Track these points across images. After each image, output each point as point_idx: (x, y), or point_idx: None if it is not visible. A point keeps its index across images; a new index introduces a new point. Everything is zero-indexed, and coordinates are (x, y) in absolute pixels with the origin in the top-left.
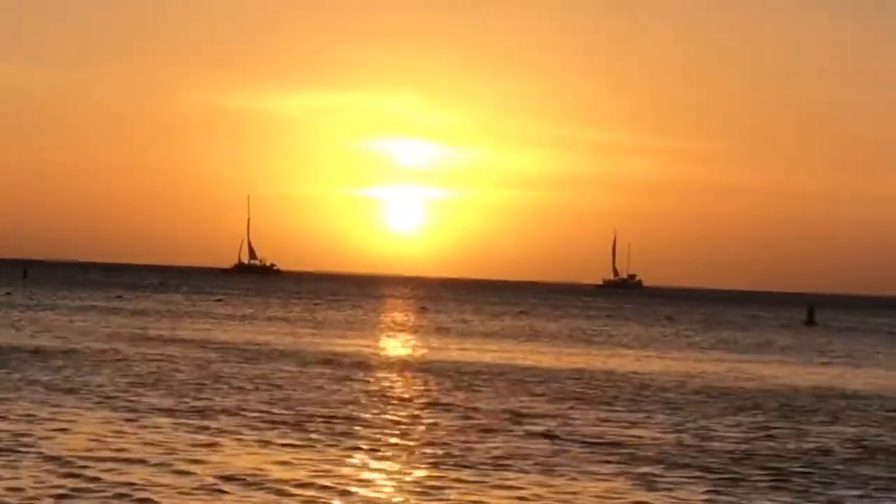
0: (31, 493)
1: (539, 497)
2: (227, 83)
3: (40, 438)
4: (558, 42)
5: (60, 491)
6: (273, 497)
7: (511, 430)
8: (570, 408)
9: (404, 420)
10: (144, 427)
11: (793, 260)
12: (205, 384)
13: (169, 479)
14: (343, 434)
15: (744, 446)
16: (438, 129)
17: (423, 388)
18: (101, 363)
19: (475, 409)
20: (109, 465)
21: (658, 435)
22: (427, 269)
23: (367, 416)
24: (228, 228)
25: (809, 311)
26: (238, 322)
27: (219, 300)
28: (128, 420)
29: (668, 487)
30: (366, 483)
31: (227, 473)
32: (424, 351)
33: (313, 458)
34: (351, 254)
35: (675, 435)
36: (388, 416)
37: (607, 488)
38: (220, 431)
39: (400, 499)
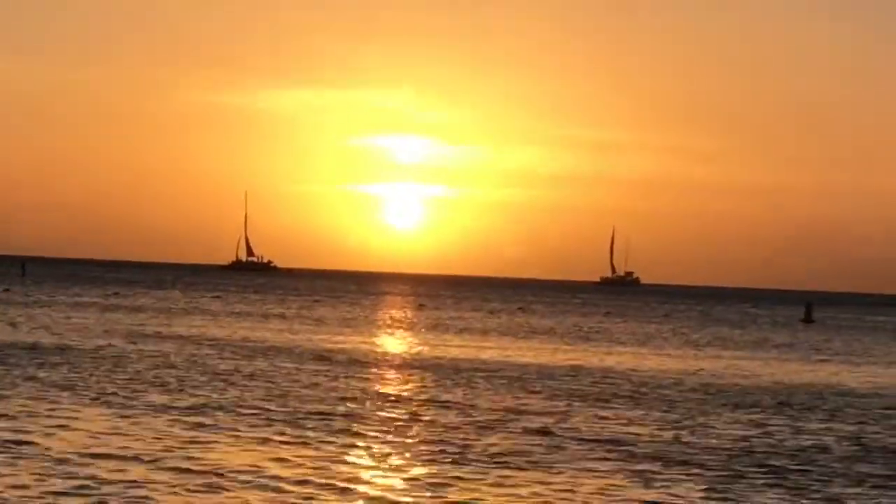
0: (28, 490)
1: (537, 494)
2: (225, 80)
3: (38, 435)
4: (557, 40)
5: (57, 488)
6: (271, 494)
7: (509, 428)
8: (568, 405)
9: (402, 417)
10: (141, 424)
11: (791, 258)
12: (202, 381)
13: (166, 476)
14: (340, 431)
15: (741, 443)
16: (437, 126)
17: (420, 385)
18: (99, 360)
19: (473, 407)
20: (106, 462)
21: (656, 432)
22: (425, 266)
23: (365, 413)
24: (226, 225)
25: (807, 309)
26: (235, 319)
27: (216, 297)
28: (125, 417)
29: (666, 484)
30: (363, 480)
31: (224, 470)
32: (422, 348)
33: (311, 455)
34: (349, 251)
35: (672, 432)
36: (385, 413)
37: (605, 485)
38: (218, 428)
39: (398, 496)
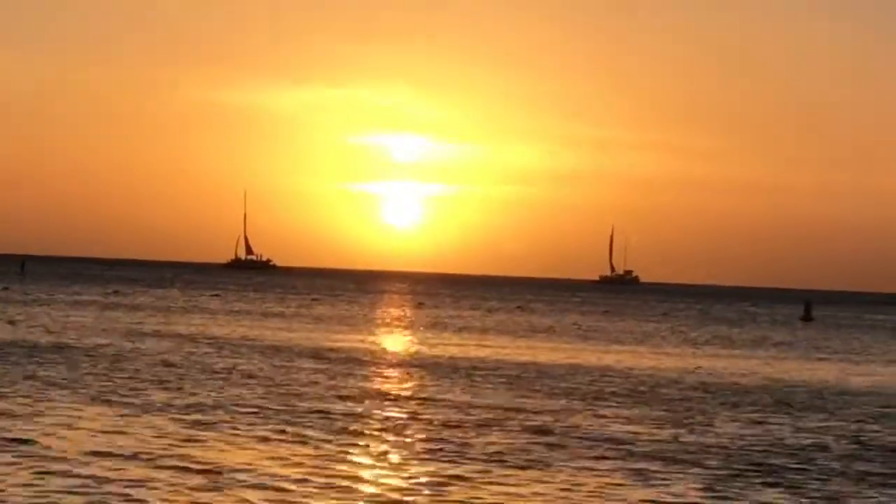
0: (27, 489)
1: (536, 493)
2: (224, 79)
3: (37, 434)
4: (556, 37)
5: (56, 487)
6: (270, 493)
7: (508, 426)
8: (567, 403)
9: (401, 415)
10: (141, 422)
11: (790, 256)
12: (201, 379)
13: (165, 474)
14: (339, 430)
15: (740, 442)
16: (436, 124)
17: (419, 383)
18: (98, 358)
19: (472, 405)
20: (106, 460)
21: (655, 431)
22: (424, 264)
23: (364, 411)
24: (225, 224)
25: (806, 308)
26: (234, 317)
27: (215, 295)
28: (124, 415)
29: (665, 483)
30: (362, 479)
31: (223, 469)
32: (421, 346)
33: (310, 454)
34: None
35: (671, 430)
36: (384, 412)
37: (604, 484)
38: (217, 426)
39: (397, 495)
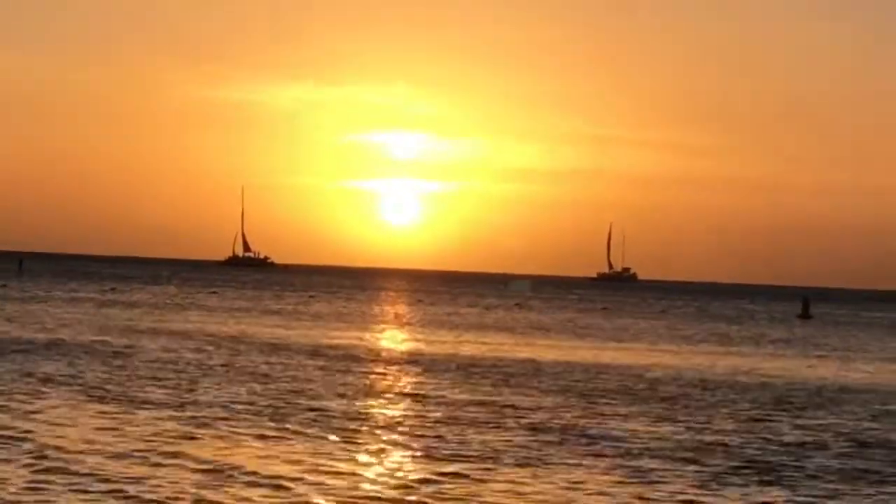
0: (23, 488)
1: (534, 490)
2: (221, 76)
3: (33, 432)
4: (555, 35)
5: (53, 485)
6: (267, 491)
7: (505, 424)
8: (565, 401)
9: (398, 413)
10: (138, 420)
11: (788, 253)
12: (198, 377)
13: (162, 472)
14: (337, 427)
15: (737, 439)
16: (434, 121)
17: (417, 381)
18: (95, 356)
19: (469, 403)
20: (103, 458)
21: (652, 428)
22: (422, 262)
23: (361, 409)
24: (223, 221)
25: (804, 305)
26: (231, 315)
27: (213, 292)
28: (121, 413)
29: (662, 481)
30: (360, 477)
31: (219, 467)
32: (419, 344)
33: (308, 452)
34: (346, 247)
35: (668, 428)
36: (381, 410)
37: (602, 481)
38: (215, 424)
39: (394, 493)
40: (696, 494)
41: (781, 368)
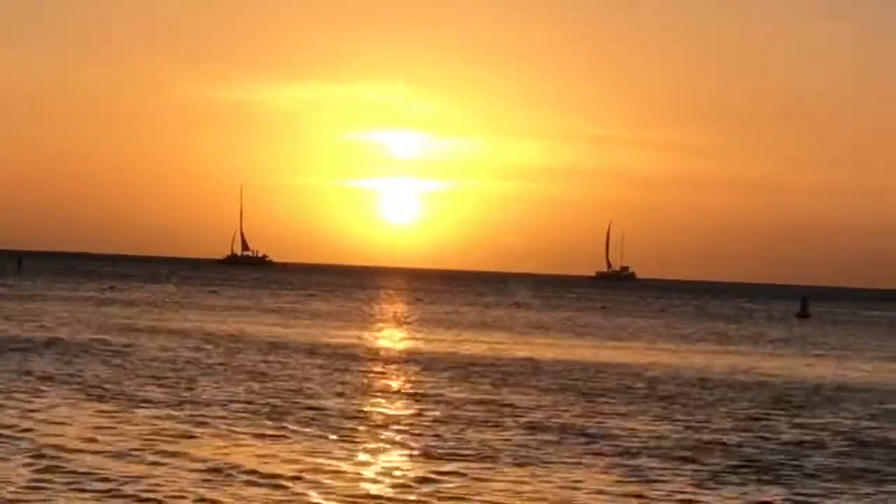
0: (21, 486)
1: (533, 489)
2: (220, 75)
3: (31, 430)
4: (555, 35)
5: (50, 483)
6: (265, 490)
7: (504, 423)
8: (563, 400)
9: (397, 412)
10: (136, 419)
11: (787, 252)
12: (196, 375)
13: (160, 471)
14: (335, 426)
15: (736, 438)
16: (433, 120)
17: (415, 380)
18: (93, 354)
19: (468, 401)
20: (100, 457)
21: (651, 427)
22: (421, 260)
23: (360, 408)
24: (221, 220)
25: (803, 304)
26: (230, 313)
27: (213, 291)
28: (119, 411)
29: (661, 479)
30: (358, 476)
31: (218, 465)
32: (417, 343)
33: (306, 451)
34: (345, 245)
35: (667, 427)
36: (380, 409)
37: (600, 480)
38: (213, 423)
39: (392, 492)
40: (694, 493)
41: (780, 367)
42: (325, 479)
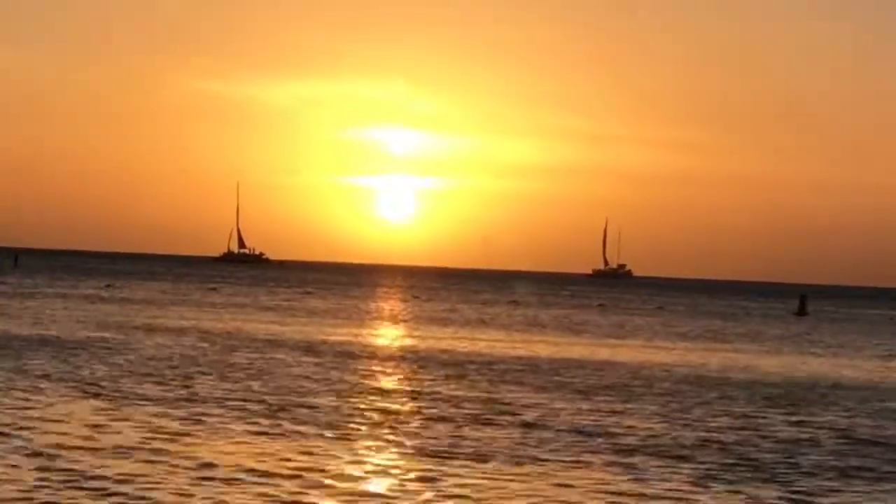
0: (16, 484)
1: (529, 488)
2: (217, 72)
3: (28, 429)
4: (552, 33)
5: (47, 482)
6: (262, 489)
7: (500, 421)
8: (560, 398)
9: (393, 410)
10: (133, 416)
11: (784, 250)
12: (193, 373)
13: (157, 469)
14: (332, 424)
15: (733, 436)
16: (430, 118)
17: (412, 377)
18: (91, 352)
19: (464, 399)
20: (96, 455)
21: (648, 425)
22: (418, 258)
23: (356, 405)
24: (218, 217)
25: (801, 302)
26: (226, 311)
27: (211, 289)
28: (116, 409)
29: (658, 478)
30: (354, 474)
31: (213, 464)
32: (414, 340)
33: (302, 449)
34: (342, 243)
35: (664, 425)
36: (377, 407)
37: (597, 478)
38: (208, 421)
39: (389, 490)
40: (690, 491)
41: (777, 365)
42: (322, 477)
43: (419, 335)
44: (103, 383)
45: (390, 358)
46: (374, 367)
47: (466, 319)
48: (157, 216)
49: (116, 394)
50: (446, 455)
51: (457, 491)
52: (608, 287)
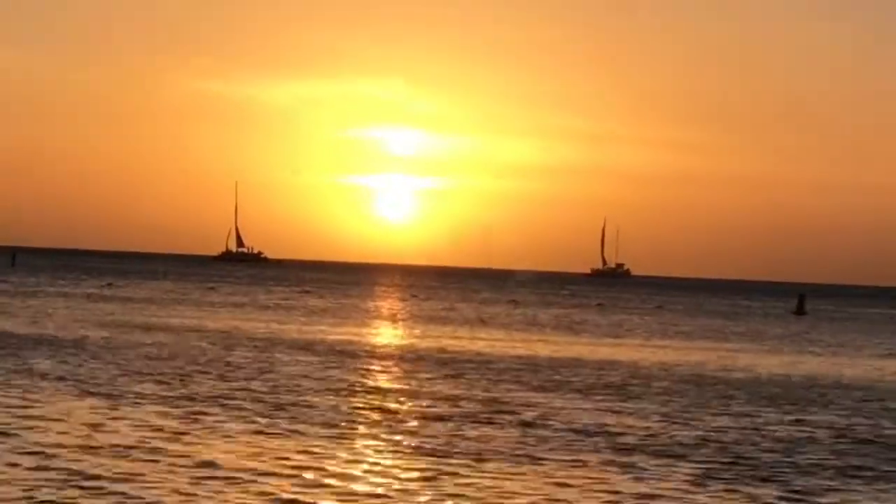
0: (15, 484)
1: (528, 486)
2: (217, 71)
3: (26, 428)
4: (552, 33)
5: (44, 482)
6: (259, 487)
7: (499, 420)
8: (559, 397)
9: (392, 409)
10: (131, 416)
11: (783, 249)
12: (191, 372)
13: (155, 468)
14: (330, 423)
15: (732, 435)
16: (428, 118)
17: (410, 376)
18: (89, 351)
19: (463, 398)
20: (94, 454)
21: (647, 424)
22: (417, 257)
23: (355, 404)
24: (217, 216)
25: (800, 301)
26: (225, 310)
27: (210, 288)
28: (114, 408)
29: (656, 477)
30: (352, 473)
31: (212, 462)
32: (413, 339)
33: (300, 448)
34: (340, 242)
35: (663, 424)
36: (375, 405)
37: (596, 477)
38: (207, 420)
39: (387, 489)
40: (689, 490)
41: (776, 364)
42: (320, 476)
43: (418, 334)
44: (103, 382)
45: (389, 357)
46: (373, 366)
47: (465, 318)
48: (155, 215)
49: (115, 393)
50: (445, 454)
51: (455, 490)
52: (607, 286)
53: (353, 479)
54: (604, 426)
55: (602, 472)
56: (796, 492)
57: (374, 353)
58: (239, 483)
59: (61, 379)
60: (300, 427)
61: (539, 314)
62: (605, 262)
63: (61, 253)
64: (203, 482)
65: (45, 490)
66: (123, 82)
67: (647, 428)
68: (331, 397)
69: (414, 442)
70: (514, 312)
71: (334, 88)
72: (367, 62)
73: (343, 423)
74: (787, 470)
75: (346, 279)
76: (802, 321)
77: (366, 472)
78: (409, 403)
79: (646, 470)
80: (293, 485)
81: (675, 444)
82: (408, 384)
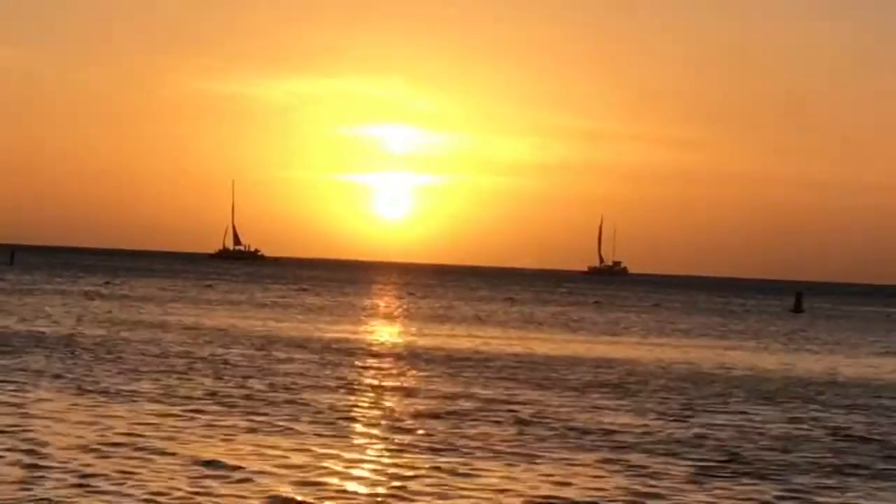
0: (13, 483)
1: (523, 484)
2: (215, 69)
3: (20, 426)
4: (548, 31)
5: (40, 480)
6: (258, 486)
7: (496, 418)
8: (556, 394)
9: (389, 406)
10: (127, 413)
11: (780, 248)
12: (187, 370)
13: (153, 467)
14: (327, 421)
15: (728, 433)
16: (426, 115)
17: (408, 374)
18: (87, 349)
19: (460, 396)
20: (90, 452)
21: (644, 422)
22: (414, 255)
23: (352, 402)
24: (214, 214)
25: (797, 299)
26: (221, 307)
27: (207, 286)
28: (111, 406)
29: (654, 475)
30: (349, 471)
31: (207, 460)
32: (410, 337)
33: (297, 446)
34: (337, 240)
35: (660, 421)
36: (371, 403)
37: (593, 475)
38: (202, 418)
39: (384, 487)
40: (685, 487)
41: (773, 362)
42: (317, 473)
43: (415, 332)
44: (100, 379)
45: (386, 355)
46: (370, 364)
47: (463, 316)
48: (152, 213)
49: (112, 390)
50: (441, 451)
51: (453, 487)
52: (604, 284)
53: (350, 476)
54: (601, 424)
55: (599, 469)
56: (793, 489)
57: (371, 351)
58: (236, 480)
59: (58, 377)
60: (297, 425)
61: (536, 312)
62: (602, 260)
63: (59, 251)
64: (200, 479)
65: (40, 488)
66: (124, 83)
67: (644, 425)
68: (328, 395)
69: (411, 440)
70: (511, 310)
71: (333, 86)
72: (366, 60)
73: (340, 421)
74: (783, 468)
75: (344, 277)
76: (800, 319)
77: (363, 469)
78: (407, 401)
79: (643, 468)
80: (291, 482)
81: (673, 441)
82: (405, 382)
